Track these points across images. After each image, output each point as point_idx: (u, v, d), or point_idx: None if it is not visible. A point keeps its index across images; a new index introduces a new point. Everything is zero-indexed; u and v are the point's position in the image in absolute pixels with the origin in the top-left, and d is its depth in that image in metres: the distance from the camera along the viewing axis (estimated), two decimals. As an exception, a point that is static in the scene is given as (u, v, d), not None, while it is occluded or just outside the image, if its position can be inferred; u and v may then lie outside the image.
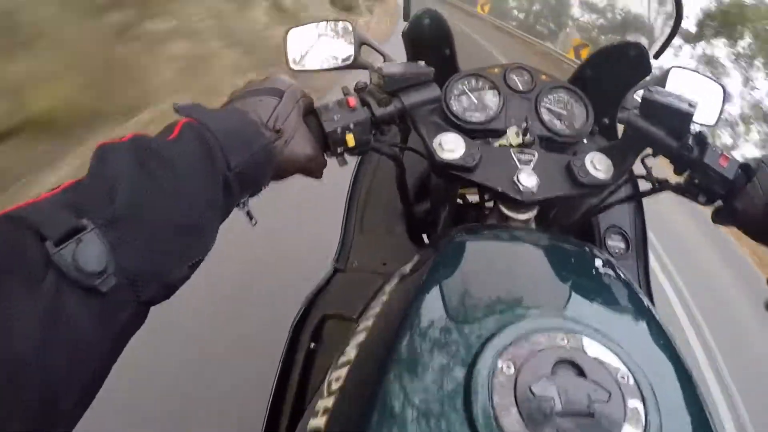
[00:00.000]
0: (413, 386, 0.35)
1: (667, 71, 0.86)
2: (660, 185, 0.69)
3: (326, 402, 0.42)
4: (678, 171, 0.65)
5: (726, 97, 0.87)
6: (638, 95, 0.81)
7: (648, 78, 0.78)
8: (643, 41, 0.84)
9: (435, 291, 0.43)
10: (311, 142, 0.55)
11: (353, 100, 0.57)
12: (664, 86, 0.82)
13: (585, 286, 0.48)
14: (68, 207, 0.32)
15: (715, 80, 0.89)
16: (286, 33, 0.80)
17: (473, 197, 0.96)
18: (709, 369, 3.12)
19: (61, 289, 0.29)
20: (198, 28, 4.29)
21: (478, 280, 0.47)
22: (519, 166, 0.67)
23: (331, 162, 0.60)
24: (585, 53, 1.19)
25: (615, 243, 0.91)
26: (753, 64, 15.29)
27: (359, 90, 0.61)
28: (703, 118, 0.83)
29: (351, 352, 0.45)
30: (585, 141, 0.79)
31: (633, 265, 0.89)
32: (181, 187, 0.38)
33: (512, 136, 0.74)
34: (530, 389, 0.33)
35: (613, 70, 0.79)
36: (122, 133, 0.40)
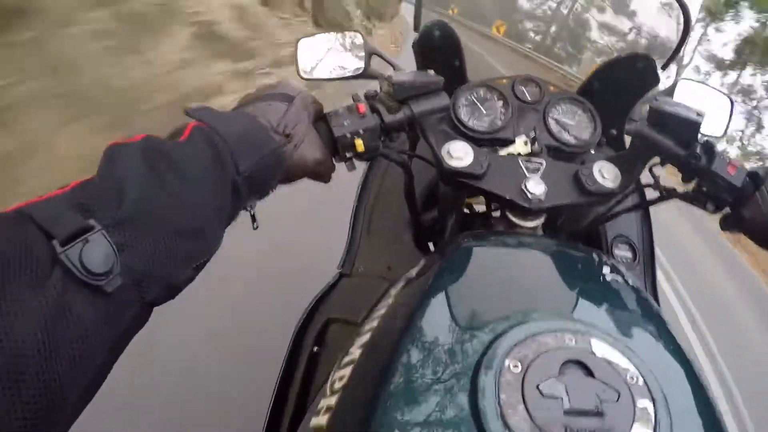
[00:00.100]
0: (419, 384, 0.35)
1: (675, 83, 0.87)
2: (668, 194, 0.69)
3: (329, 401, 0.41)
4: (686, 179, 0.65)
5: (734, 109, 0.87)
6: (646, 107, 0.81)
7: (656, 90, 0.79)
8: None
9: (441, 293, 0.43)
10: (320, 147, 0.55)
11: (363, 107, 0.58)
12: (671, 98, 0.82)
13: (593, 289, 0.47)
14: (76, 206, 0.32)
15: (723, 92, 0.89)
16: (297, 42, 0.81)
17: (480, 207, 0.96)
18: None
19: (67, 288, 0.29)
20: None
21: (485, 283, 0.47)
22: (527, 174, 0.67)
23: (339, 168, 0.61)
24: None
25: (622, 252, 0.90)
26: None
27: (369, 97, 0.62)
28: (711, 129, 0.83)
29: (355, 353, 0.45)
30: (593, 152, 0.79)
31: (640, 274, 0.89)
32: (189, 190, 0.38)
33: (520, 145, 0.74)
34: (538, 388, 0.33)
35: (621, 82, 0.79)
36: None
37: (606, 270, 0.52)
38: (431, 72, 0.64)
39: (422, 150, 0.76)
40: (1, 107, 2.11)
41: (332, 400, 0.41)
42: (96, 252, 0.30)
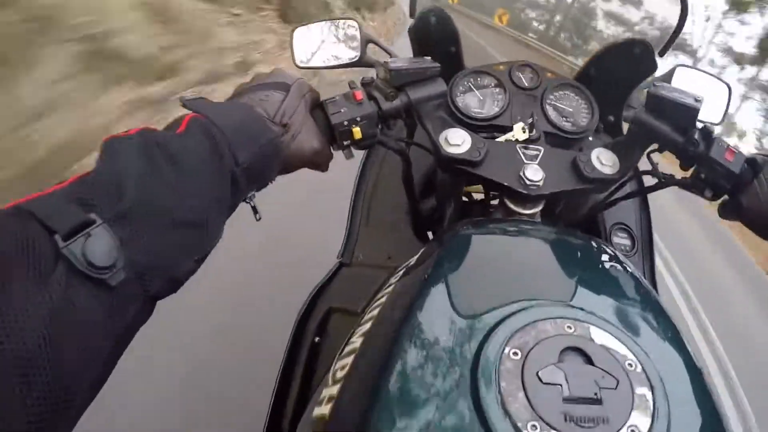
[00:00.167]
0: (418, 373, 0.35)
1: (673, 69, 0.86)
2: (666, 180, 0.69)
3: (331, 390, 0.42)
4: (684, 166, 0.65)
5: (731, 94, 0.87)
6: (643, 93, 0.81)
7: (653, 76, 0.79)
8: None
9: (441, 281, 0.43)
10: (318, 135, 0.55)
11: (360, 94, 0.58)
12: (669, 84, 0.82)
13: (592, 277, 0.48)
14: (76, 201, 0.32)
15: (720, 79, 0.89)
16: (293, 31, 0.81)
17: (478, 195, 0.96)
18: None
19: (71, 283, 0.29)
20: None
21: (484, 270, 0.47)
22: (525, 161, 0.67)
23: (338, 156, 0.60)
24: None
25: (621, 240, 0.91)
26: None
27: (366, 84, 0.61)
28: (708, 116, 0.83)
29: (356, 342, 0.45)
30: (590, 138, 0.79)
31: (639, 261, 0.89)
32: (188, 182, 0.38)
33: (518, 132, 0.74)
34: (537, 375, 0.33)
35: (619, 68, 0.79)
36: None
37: (605, 257, 0.52)
38: (428, 58, 0.63)
39: (420, 137, 0.75)
40: None
41: (334, 390, 0.41)
42: (99, 246, 0.30)
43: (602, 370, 0.34)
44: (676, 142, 0.62)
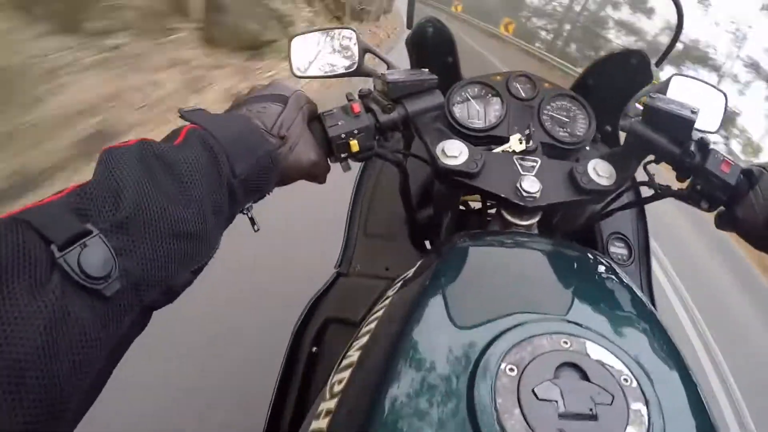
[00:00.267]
0: (416, 388, 0.35)
1: (669, 79, 0.87)
2: (662, 191, 0.69)
3: (328, 404, 0.42)
4: (680, 177, 0.65)
5: (727, 103, 0.88)
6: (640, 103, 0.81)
7: (650, 86, 0.79)
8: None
9: (437, 295, 0.43)
10: (315, 148, 0.55)
11: (357, 107, 0.58)
12: (665, 94, 0.83)
13: (588, 290, 0.48)
14: (73, 211, 0.32)
15: (716, 87, 0.90)
16: (290, 40, 0.81)
17: (476, 204, 0.96)
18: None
19: (66, 292, 0.29)
20: None
21: (481, 284, 0.47)
22: (522, 172, 0.68)
23: (335, 167, 0.60)
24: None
25: (618, 250, 0.91)
26: None
27: (363, 96, 0.62)
28: (704, 124, 0.84)
29: (354, 356, 0.45)
30: (587, 148, 0.79)
31: (636, 271, 0.89)
32: (186, 193, 0.38)
33: (515, 143, 0.74)
34: (533, 391, 0.33)
35: (615, 78, 0.79)
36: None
37: (601, 269, 0.52)
38: (425, 70, 0.63)
39: (417, 148, 0.76)
40: None
41: (332, 404, 0.41)
42: (94, 256, 0.31)
43: (598, 386, 0.34)
44: (672, 154, 0.62)
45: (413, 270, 0.56)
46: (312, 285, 0.89)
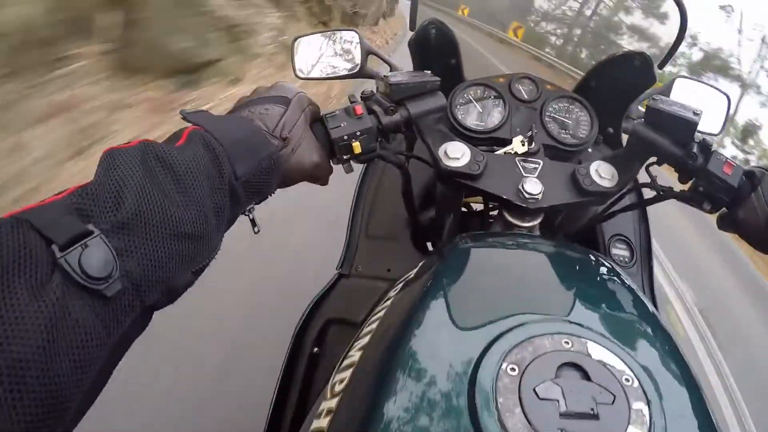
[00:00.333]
0: (417, 388, 0.35)
1: (672, 80, 0.87)
2: (665, 193, 0.69)
3: (329, 403, 0.42)
4: (683, 179, 0.65)
5: (730, 105, 0.87)
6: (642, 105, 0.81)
7: (653, 88, 0.79)
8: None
9: (439, 295, 0.43)
10: (318, 149, 0.55)
11: (360, 108, 0.58)
12: (668, 96, 0.83)
13: (589, 291, 0.48)
14: (74, 211, 0.32)
15: (720, 89, 0.89)
16: (293, 42, 0.81)
17: (478, 206, 0.96)
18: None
19: (67, 293, 0.29)
20: None
21: (482, 285, 0.47)
22: (524, 174, 0.68)
23: (337, 169, 0.61)
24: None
25: (619, 251, 0.91)
26: None
27: (366, 98, 0.62)
28: (707, 126, 0.84)
29: (355, 355, 0.45)
30: (590, 150, 0.79)
31: (637, 273, 0.89)
32: (187, 194, 0.38)
33: (517, 145, 0.74)
34: (534, 391, 0.33)
35: (618, 80, 0.79)
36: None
37: (603, 271, 0.52)
38: (428, 72, 0.63)
39: (419, 150, 0.76)
40: None
41: (333, 403, 0.41)
42: (95, 256, 0.31)
43: (599, 385, 0.34)
44: (675, 156, 0.62)
45: (415, 271, 0.56)
46: (313, 286, 0.89)
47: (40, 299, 0.27)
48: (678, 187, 0.67)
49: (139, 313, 0.35)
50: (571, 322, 0.40)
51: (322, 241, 1.41)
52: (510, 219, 0.68)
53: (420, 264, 0.58)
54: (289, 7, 5.02)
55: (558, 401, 0.33)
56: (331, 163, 0.59)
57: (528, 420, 0.32)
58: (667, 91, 0.85)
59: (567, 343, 0.37)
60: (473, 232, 0.73)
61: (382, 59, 0.80)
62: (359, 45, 0.77)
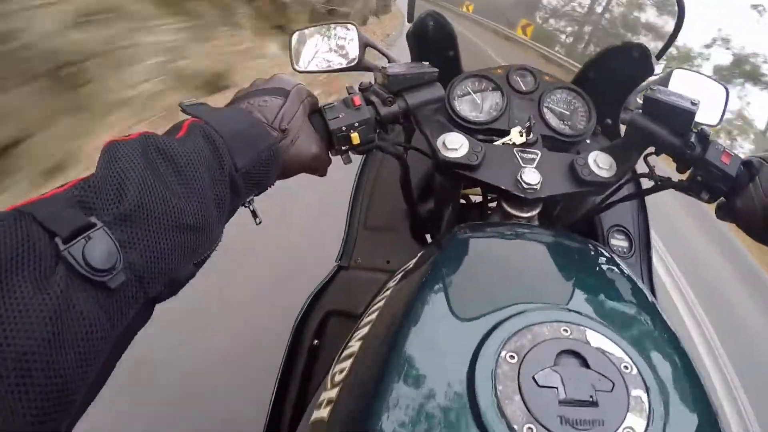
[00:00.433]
0: (416, 377, 0.35)
1: (670, 72, 0.87)
2: (663, 183, 0.69)
3: (330, 393, 0.42)
4: (681, 169, 0.65)
5: (728, 97, 0.88)
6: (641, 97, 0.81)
7: (651, 79, 0.79)
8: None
9: (438, 284, 0.44)
10: (316, 141, 0.55)
11: (358, 100, 0.58)
12: (666, 87, 0.83)
13: (588, 280, 0.48)
14: (77, 204, 0.33)
15: (718, 81, 0.90)
16: (291, 35, 0.81)
17: (476, 197, 0.96)
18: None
19: (71, 285, 0.29)
20: None
21: (481, 274, 0.48)
22: (522, 164, 0.68)
23: (336, 160, 0.61)
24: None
25: (618, 242, 0.91)
26: None
27: (364, 90, 0.62)
28: (706, 118, 0.84)
29: (355, 346, 0.45)
30: (588, 141, 0.79)
31: (636, 263, 0.89)
32: (188, 186, 0.39)
33: (515, 136, 0.74)
34: (534, 378, 0.33)
35: (616, 71, 0.79)
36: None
37: (602, 260, 0.52)
38: (426, 63, 0.63)
39: (418, 141, 0.76)
40: None
41: (333, 393, 0.41)
42: (98, 248, 0.31)
43: (598, 372, 0.34)
44: (672, 146, 0.62)
45: (414, 261, 0.56)
46: (313, 278, 0.90)
47: (44, 292, 0.27)
48: (676, 177, 0.68)
49: (142, 304, 0.35)
50: (570, 310, 0.40)
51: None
52: (509, 209, 0.68)
53: (419, 254, 0.58)
54: (226, 8, 3.17)
55: (557, 389, 0.33)
56: (330, 155, 0.59)
57: (527, 407, 0.32)
58: (665, 82, 0.85)
59: (566, 330, 0.37)
60: (472, 222, 0.73)
61: (379, 51, 0.79)
62: (357, 37, 0.77)
